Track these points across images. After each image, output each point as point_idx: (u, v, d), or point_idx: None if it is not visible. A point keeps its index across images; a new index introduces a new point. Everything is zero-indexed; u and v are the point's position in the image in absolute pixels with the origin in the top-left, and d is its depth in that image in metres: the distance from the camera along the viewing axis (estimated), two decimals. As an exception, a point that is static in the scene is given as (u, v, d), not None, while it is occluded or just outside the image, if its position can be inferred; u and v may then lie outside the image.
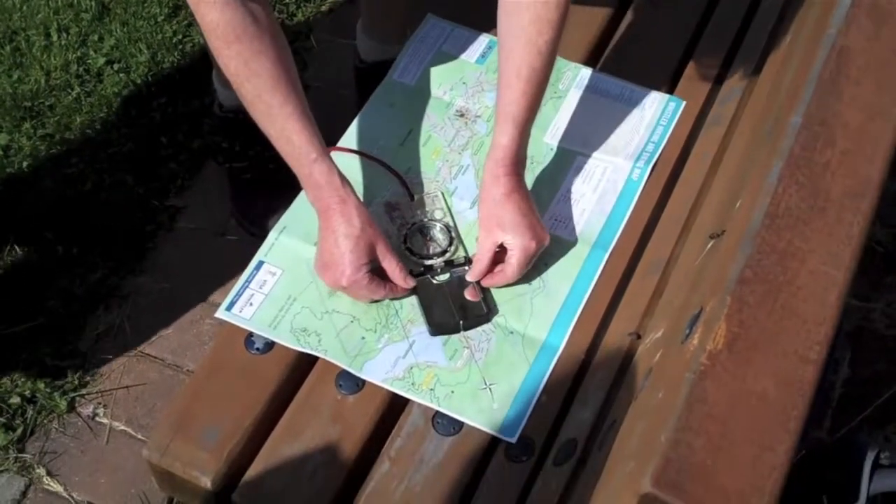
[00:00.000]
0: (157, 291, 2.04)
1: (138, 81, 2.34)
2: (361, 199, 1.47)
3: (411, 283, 1.37)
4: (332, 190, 1.33)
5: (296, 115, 1.31)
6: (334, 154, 1.52)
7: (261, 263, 1.42)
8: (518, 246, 1.36)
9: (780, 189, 1.06)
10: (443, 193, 1.50)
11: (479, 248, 1.39)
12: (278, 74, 1.30)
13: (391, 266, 1.35)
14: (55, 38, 2.42)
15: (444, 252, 1.43)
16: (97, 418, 1.88)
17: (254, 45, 1.28)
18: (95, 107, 2.29)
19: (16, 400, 1.87)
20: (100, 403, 1.89)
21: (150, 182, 2.18)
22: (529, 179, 1.47)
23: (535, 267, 1.40)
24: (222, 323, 1.38)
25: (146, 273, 2.06)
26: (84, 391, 1.90)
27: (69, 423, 1.87)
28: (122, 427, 1.86)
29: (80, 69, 2.37)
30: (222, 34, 1.27)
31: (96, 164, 2.20)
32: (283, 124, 1.32)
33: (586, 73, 1.67)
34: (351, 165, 1.53)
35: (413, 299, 1.39)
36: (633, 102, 1.63)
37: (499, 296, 1.40)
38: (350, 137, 1.57)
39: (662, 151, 1.58)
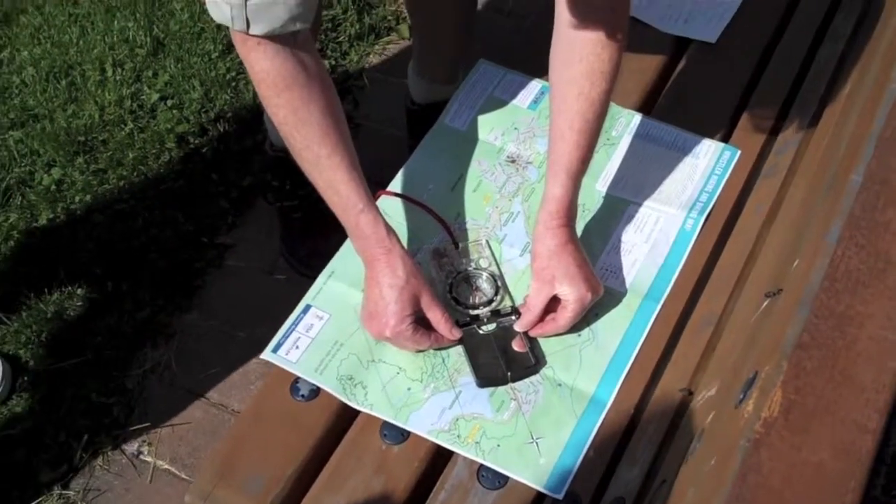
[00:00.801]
0: (205, 329, 2.04)
1: (191, 118, 2.36)
2: (409, 244, 1.47)
3: (457, 334, 1.36)
4: (378, 240, 1.33)
5: (343, 165, 1.31)
6: (383, 198, 1.52)
7: (308, 307, 1.42)
8: (574, 297, 1.34)
9: (839, 250, 1.03)
10: (488, 242, 1.49)
11: (531, 298, 1.37)
12: (327, 124, 1.30)
13: (436, 317, 1.34)
14: (110, 73, 2.45)
15: (489, 301, 1.42)
16: (141, 456, 1.88)
17: (303, 94, 1.28)
18: (148, 143, 2.31)
19: (61, 436, 1.87)
20: (144, 441, 1.89)
21: (201, 219, 2.19)
22: (580, 227, 1.46)
23: (584, 318, 1.39)
24: (269, 364, 1.37)
25: (194, 311, 2.07)
26: (129, 429, 1.90)
27: (113, 460, 1.87)
28: (166, 466, 1.86)
29: (134, 105, 2.39)
30: (272, 83, 1.27)
31: (147, 201, 2.21)
32: (330, 175, 1.31)
33: (639, 120, 1.65)
34: (400, 210, 1.52)
35: (459, 349, 1.37)
36: (687, 151, 1.62)
37: (547, 347, 1.38)
38: (400, 181, 1.57)
39: (716, 202, 1.55)
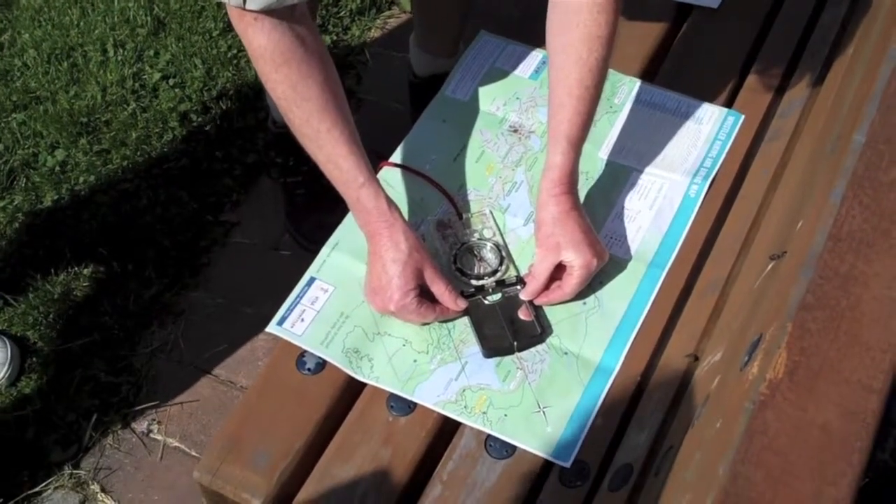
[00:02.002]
0: (211, 307, 2.04)
1: (193, 97, 2.35)
2: (412, 216, 1.46)
3: (462, 304, 1.35)
4: (379, 214, 1.32)
5: (343, 139, 1.31)
6: (385, 169, 1.52)
7: (312, 280, 1.42)
8: (580, 263, 1.34)
9: (843, 210, 1.02)
10: (491, 212, 1.49)
11: (536, 266, 1.37)
12: (326, 98, 1.29)
13: (440, 289, 1.34)
14: (111, 53, 2.44)
15: (494, 272, 1.41)
16: (151, 434, 1.88)
17: (302, 69, 1.27)
18: (151, 122, 2.31)
19: (71, 416, 1.88)
20: (154, 420, 1.89)
21: (205, 197, 2.19)
22: (583, 195, 1.46)
23: (589, 286, 1.38)
24: (276, 338, 1.37)
25: (200, 288, 2.07)
26: (138, 407, 1.90)
27: (123, 439, 1.87)
28: (176, 444, 1.87)
29: (136, 84, 2.39)
30: (270, 58, 1.26)
31: (151, 180, 2.21)
32: (330, 149, 1.31)
33: (642, 86, 1.64)
34: (402, 182, 1.52)
35: (465, 320, 1.37)
36: (691, 117, 1.61)
37: (552, 315, 1.38)
38: (402, 153, 1.56)
39: (721, 167, 1.55)
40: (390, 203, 1.34)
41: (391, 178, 1.52)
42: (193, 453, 1.85)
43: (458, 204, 1.49)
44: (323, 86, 1.29)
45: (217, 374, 1.95)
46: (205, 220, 2.16)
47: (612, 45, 1.35)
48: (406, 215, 1.46)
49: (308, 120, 1.30)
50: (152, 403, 1.91)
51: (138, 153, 2.26)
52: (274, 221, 2.14)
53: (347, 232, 1.44)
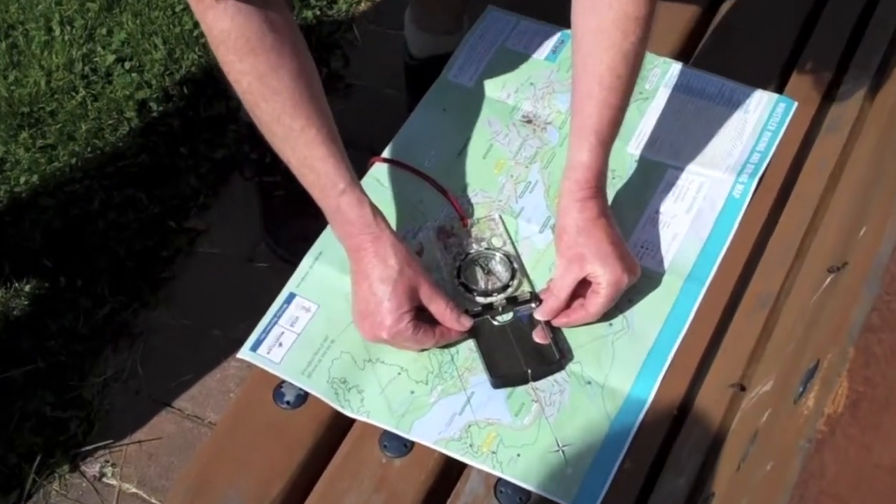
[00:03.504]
0: (175, 329, 2.04)
1: (153, 82, 2.36)
2: (409, 222, 1.47)
3: (467, 325, 1.35)
4: (363, 226, 1.32)
5: (320, 139, 1.30)
6: (377, 167, 1.52)
7: (292, 296, 1.42)
8: (608, 280, 1.34)
9: (913, 214, 1.02)
10: (501, 217, 1.49)
11: (556, 281, 1.37)
12: (300, 92, 1.29)
13: (440, 308, 1.34)
14: (57, 32, 2.45)
15: (505, 287, 1.41)
16: (104, 479, 1.88)
17: (271, 59, 1.27)
18: (104, 112, 2.31)
19: (11, 458, 1.88)
20: (107, 462, 1.89)
21: (167, 200, 2.19)
22: (610, 197, 1.45)
23: (617, 305, 1.38)
24: (250, 366, 1.37)
25: (161, 307, 2.07)
26: (89, 447, 1.90)
27: (72, 484, 1.87)
28: (134, 489, 1.87)
29: (86, 68, 2.39)
30: (234, 46, 1.26)
31: (104, 180, 2.21)
32: (305, 151, 1.31)
33: (678, 69, 1.65)
34: (396, 181, 1.52)
35: (470, 343, 1.37)
36: (735, 103, 1.61)
37: (573, 339, 1.38)
38: (397, 147, 1.56)
39: (770, 163, 1.55)
40: (375, 212, 1.34)
41: (383, 176, 1.52)
42: (153, 501, 1.85)
43: (461, 207, 1.49)
44: (296, 77, 1.29)
45: (181, 407, 1.95)
46: (167, 227, 2.16)
47: (650, 26, 1.35)
48: (400, 221, 1.47)
49: (279, 117, 1.29)
50: (106, 442, 1.91)
51: (89, 149, 2.26)
52: (248, 228, 2.15)
53: (333, 240, 1.44)
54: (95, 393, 1.97)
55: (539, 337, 1.37)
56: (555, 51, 1.66)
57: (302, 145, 1.31)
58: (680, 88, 1.62)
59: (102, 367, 2.00)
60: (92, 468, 1.89)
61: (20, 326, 2.03)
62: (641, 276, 1.39)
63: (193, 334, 2.03)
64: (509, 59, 1.66)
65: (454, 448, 1.29)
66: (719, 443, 1.24)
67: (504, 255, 1.44)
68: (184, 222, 2.18)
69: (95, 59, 2.41)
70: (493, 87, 1.63)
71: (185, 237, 2.16)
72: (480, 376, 1.34)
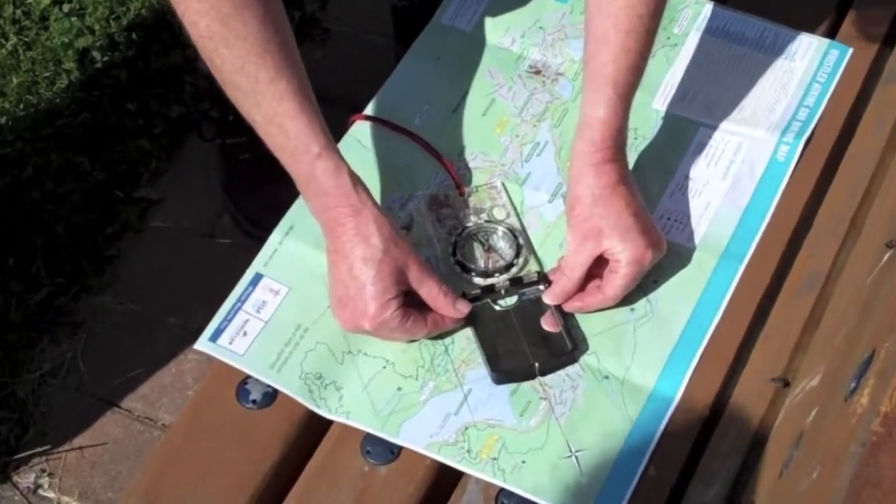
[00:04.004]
0: (122, 316, 2.04)
1: (96, 28, 2.35)
2: (396, 191, 1.47)
3: (464, 310, 1.35)
4: (341, 196, 1.32)
5: (290, 93, 1.30)
6: (358, 126, 1.52)
7: (259, 277, 1.42)
8: (628, 257, 1.34)
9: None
10: (504, 184, 1.49)
11: (568, 259, 1.37)
12: (268, 37, 1.28)
13: (432, 292, 1.34)
14: (-17, -31, 2.44)
15: (508, 266, 1.41)
16: (40, 490, 1.89)
17: None
18: (38, 63, 2.31)
19: (-69, 467, 1.89)
20: (44, 471, 1.90)
21: (113, 165, 2.19)
22: (631, 161, 1.45)
23: (639, 286, 1.38)
24: (209, 359, 1.37)
25: (107, 291, 2.07)
26: (23, 454, 1.91)
27: (3, 496, 1.88)
28: (75, 503, 1.86)
29: (18, 12, 2.39)
30: None
31: (39, 142, 2.21)
32: (273, 107, 1.30)
33: (711, 9, 1.64)
34: (382, 142, 1.52)
35: (468, 332, 1.37)
36: (779, 51, 1.61)
37: (588, 326, 1.38)
38: (382, 103, 1.56)
39: (820, 121, 1.55)
40: (356, 180, 1.33)
41: (365, 137, 1.52)
42: (99, 517, 1.86)
43: (458, 173, 1.49)
44: (263, 20, 1.28)
45: (130, 407, 1.95)
46: (113, 197, 2.16)
47: None
48: (386, 190, 1.47)
49: (242, 67, 1.29)
50: (42, 448, 1.91)
51: (21, 106, 2.26)
52: (208, 198, 2.15)
53: (307, 212, 1.44)
54: (30, 391, 1.97)
55: (548, 324, 1.37)
56: (567, -11, 1.67)
57: (269, 100, 1.30)
58: (714, 32, 1.62)
59: (37, 362, 2.00)
60: (26, 478, 1.90)
61: (-59, 314, 2.03)
62: (668, 252, 1.39)
63: (144, 322, 2.03)
64: (513, 0, 1.66)
65: (449, 454, 1.29)
66: (758, 447, 1.25)
67: (507, 228, 1.44)
68: (133, 192, 2.18)
69: (28, 2, 2.40)
70: (495, 32, 1.63)
71: (135, 209, 2.16)
72: (479, 370, 1.35)
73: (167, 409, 1.94)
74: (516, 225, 1.45)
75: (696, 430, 1.31)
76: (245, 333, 1.37)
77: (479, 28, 1.64)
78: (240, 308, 1.39)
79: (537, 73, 1.59)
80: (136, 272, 2.09)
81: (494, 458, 1.28)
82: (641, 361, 1.35)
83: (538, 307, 1.38)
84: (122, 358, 2.00)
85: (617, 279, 1.35)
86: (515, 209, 1.47)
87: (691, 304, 1.40)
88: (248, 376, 1.35)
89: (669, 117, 1.55)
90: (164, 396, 1.96)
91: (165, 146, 2.23)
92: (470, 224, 1.45)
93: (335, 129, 1.37)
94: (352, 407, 1.32)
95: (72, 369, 1.99)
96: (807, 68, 1.59)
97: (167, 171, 2.21)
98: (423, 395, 1.33)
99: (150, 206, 2.16)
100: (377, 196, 1.38)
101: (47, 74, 2.30)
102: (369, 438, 1.31)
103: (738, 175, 1.50)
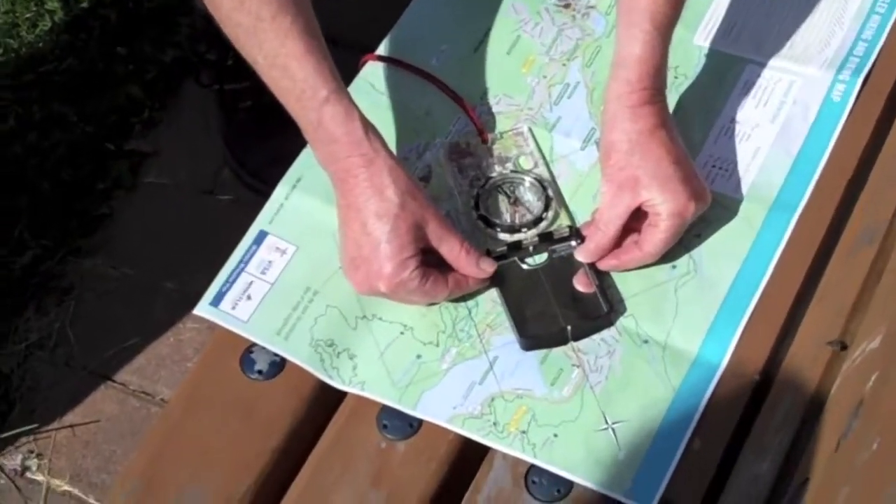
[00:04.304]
0: (115, 281, 2.05)
1: (81, -37, 2.35)
2: (412, 139, 1.47)
3: (489, 270, 1.36)
4: (352, 145, 1.32)
5: (296, 31, 1.30)
6: (370, 67, 1.52)
7: (263, 235, 1.42)
8: (669, 209, 1.34)
9: None
10: (531, 130, 1.49)
11: (603, 212, 1.37)
12: None
13: (454, 250, 1.34)
14: None
15: (537, 221, 1.41)
16: (28, 473, 1.90)
17: None
18: (19, 3, 2.31)
19: None
20: (32, 452, 1.91)
21: (102, 116, 2.19)
22: (672, 102, 1.45)
23: (681, 242, 1.38)
24: (211, 326, 1.37)
25: (98, 254, 2.08)
26: (8, 433, 1.91)
27: (-12, 480, 1.89)
28: (66, 487, 1.88)
29: (-5, -53, 2.39)
30: None
31: (20, 91, 2.21)
32: (277, 47, 1.30)
33: (759, -65, 1.64)
34: (396, 85, 1.52)
35: (493, 293, 1.37)
36: (833, -21, 1.60)
37: (626, 286, 1.38)
38: (396, 41, 1.57)
39: (879, 56, 1.54)
40: (368, 127, 1.33)
41: (378, 80, 1.52)
42: (91, 500, 1.86)
43: (480, 119, 1.49)
44: None
45: (124, 381, 1.96)
46: (103, 151, 2.16)
47: None
48: (401, 137, 1.47)
49: (242, 2, 1.29)
50: (29, 427, 1.92)
51: (1, 52, 2.25)
52: (206, 151, 2.15)
53: (315, 163, 1.44)
54: (15, 365, 1.98)
55: (581, 284, 1.37)
56: (599, -89, 1.66)
57: (272, 39, 1.30)
58: (762, -41, 1.62)
59: (23, 332, 2.01)
60: (12, 460, 1.91)
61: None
62: (713, 203, 1.39)
63: (138, 288, 2.04)
64: (540, -77, 1.66)
65: (473, 427, 1.29)
66: (813, 416, 1.25)
67: (535, 179, 1.44)
68: (124, 144, 2.18)
69: (6, -65, 2.41)
70: (520, -38, 1.63)
71: (127, 163, 2.16)
72: (506, 336, 1.35)
73: (165, 382, 1.94)
74: (545, 175, 1.45)
75: (744, 400, 1.31)
76: (249, 297, 1.38)
77: (502, -42, 1.63)
78: (243, 269, 1.40)
79: (566, 6, 1.59)
80: (128, 233, 2.09)
81: (523, 432, 1.28)
82: (684, 324, 1.35)
83: (570, 265, 1.38)
84: (115, 327, 2.00)
85: (657, 234, 1.35)
86: (544, 157, 1.47)
87: (738, 260, 1.39)
88: (254, 344, 1.36)
89: (713, 54, 1.55)
90: (161, 369, 1.96)
91: (159, 94, 2.23)
92: (494, 174, 1.45)
93: (345, 74, 1.37)
94: (367, 377, 1.33)
95: (60, 340, 2.00)
96: (864, -1, 1.59)
97: (162, 121, 2.21)
98: (445, 364, 1.33)
99: (144, 160, 2.17)
100: (392, 144, 1.38)
101: (28, 15, 2.30)
102: (386, 411, 1.31)
103: (789, 117, 1.50)
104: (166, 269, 2.04)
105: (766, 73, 1.53)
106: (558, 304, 1.36)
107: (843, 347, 1.29)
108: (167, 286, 2.02)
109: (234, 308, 1.37)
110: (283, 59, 1.31)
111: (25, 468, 1.90)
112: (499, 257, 1.38)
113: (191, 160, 2.15)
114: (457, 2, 1.60)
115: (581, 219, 1.42)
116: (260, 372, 1.35)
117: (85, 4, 2.31)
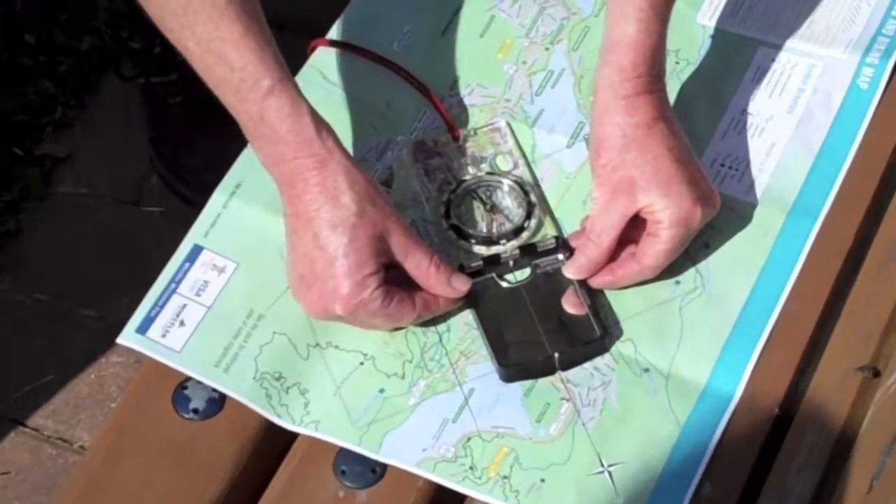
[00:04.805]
0: (27, 309, 2.05)
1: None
2: (371, 137, 1.48)
3: (463, 286, 1.36)
4: (301, 144, 1.31)
5: (233, 11, 1.29)
6: (320, 53, 1.52)
7: (198, 250, 1.43)
8: (672, 217, 1.34)
9: None
10: (509, 125, 1.49)
11: (594, 220, 1.37)
12: None
13: (421, 267, 1.34)
14: None
15: (517, 230, 1.42)
16: (-74, 535, 1.89)
17: None
18: None
19: None
20: (-70, 508, 1.91)
21: (8, 115, 2.19)
22: (673, 91, 1.46)
23: (686, 252, 1.39)
24: (138, 359, 1.37)
25: (4, 278, 2.07)
26: None
27: None
28: (-31, 550, 1.88)
29: None
30: None
31: (-88, 87, 2.21)
32: (211, 29, 1.30)
33: None
34: (351, 74, 1.53)
35: (467, 316, 1.38)
36: (858, -51, 1.61)
37: (622, 306, 1.38)
38: (351, 24, 1.57)
39: (912, 36, 1.55)
40: (319, 122, 1.33)
41: (330, 68, 1.53)
42: (1, 565, 1.87)
43: (450, 112, 1.50)
44: None
45: (37, 425, 1.96)
46: (10, 157, 2.16)
47: None
48: (358, 135, 1.47)
49: None
50: (-74, 480, 1.92)
51: None
52: (130, 155, 2.15)
53: (258, 166, 1.44)
54: None
55: (570, 304, 1.37)
56: None
57: (205, 21, 1.30)
58: (776, -74, 1.63)
59: (-81, 369, 2.01)
60: None
61: None
62: (722, 208, 1.40)
63: (53, 317, 2.04)
64: None
65: (446, 472, 1.29)
66: (843, 453, 1.25)
67: (515, 181, 1.45)
68: (34, 149, 2.18)
69: None
70: (495, -69, 1.64)
71: (38, 171, 2.16)
72: (484, 365, 1.35)
73: (85, 426, 1.94)
74: (526, 177, 1.46)
75: (762, 437, 1.31)
76: (182, 323, 1.38)
77: (474, -74, 1.64)
78: (174, 291, 1.40)
79: (549, -19, 1.60)
80: (40, 252, 2.09)
81: (505, 477, 1.28)
82: (690, 349, 1.35)
83: (557, 283, 1.39)
84: (26, 363, 2.00)
85: (657, 245, 1.35)
86: (525, 157, 1.47)
87: (752, 274, 1.40)
88: (188, 378, 1.36)
89: (720, 35, 1.56)
90: (81, 411, 1.96)
91: (74, 89, 2.23)
92: (467, 177, 1.45)
93: (292, 62, 1.37)
94: (321, 415, 1.33)
95: (-39, 378, 2.00)
96: (894, -29, 1.60)
97: (77, 120, 2.21)
98: (412, 399, 1.33)
99: (57, 167, 2.17)
100: (347, 143, 1.38)
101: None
102: (344, 455, 1.31)
103: (809, 107, 1.50)
104: (85, 293, 2.04)
105: (782, 57, 1.54)
106: (544, 328, 1.36)
107: (876, 374, 1.30)
108: (86, 314, 2.02)
109: (164, 336, 1.37)
110: (217, 45, 1.30)
111: (-78, 529, 1.90)
112: (474, 274, 1.38)
113: (112, 166, 2.15)
114: (420, -22, 1.61)
115: (569, 228, 1.42)
116: (195, 411, 1.35)
117: (-14, -15, 2.32)
